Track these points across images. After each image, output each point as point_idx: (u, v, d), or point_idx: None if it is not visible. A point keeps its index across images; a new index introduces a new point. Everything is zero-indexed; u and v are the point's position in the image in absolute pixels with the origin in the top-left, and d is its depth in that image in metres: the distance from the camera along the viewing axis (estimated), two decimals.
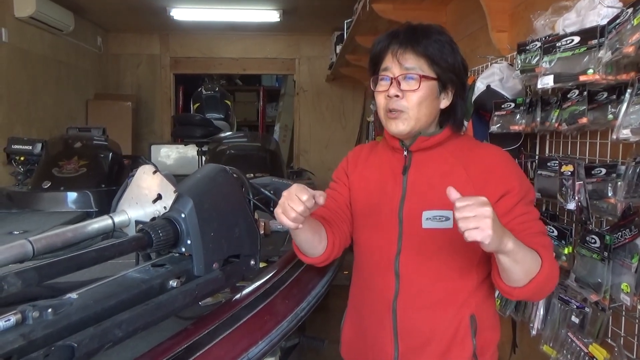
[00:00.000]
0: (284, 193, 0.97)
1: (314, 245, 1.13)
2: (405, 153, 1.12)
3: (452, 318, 1.07)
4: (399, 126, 1.08)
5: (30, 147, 2.50)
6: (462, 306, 1.07)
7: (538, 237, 1.00)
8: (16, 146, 2.52)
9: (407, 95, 1.06)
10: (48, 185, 2.22)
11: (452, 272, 1.07)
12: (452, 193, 0.87)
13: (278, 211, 0.97)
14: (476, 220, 0.83)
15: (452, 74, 1.09)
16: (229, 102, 4.16)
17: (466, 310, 1.07)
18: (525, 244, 0.94)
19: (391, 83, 1.07)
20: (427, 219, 1.05)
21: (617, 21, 1.06)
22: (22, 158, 2.49)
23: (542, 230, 1.03)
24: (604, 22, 1.12)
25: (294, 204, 0.95)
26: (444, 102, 1.11)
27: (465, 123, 1.81)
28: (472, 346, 1.07)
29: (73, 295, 0.78)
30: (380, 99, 1.10)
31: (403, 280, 1.09)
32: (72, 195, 2.19)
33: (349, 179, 1.22)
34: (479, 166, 1.06)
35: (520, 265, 0.93)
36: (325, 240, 1.13)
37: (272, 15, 4.56)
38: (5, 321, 0.66)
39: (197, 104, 4.06)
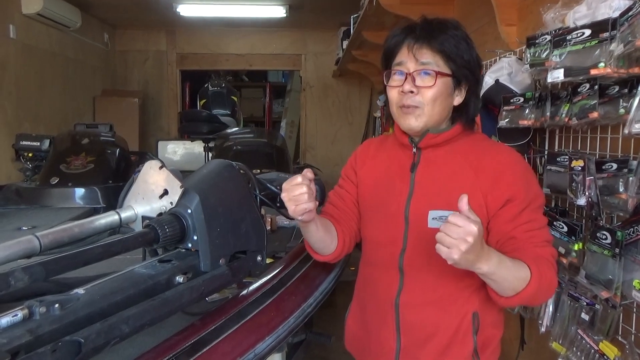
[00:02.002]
0: (282, 195, 0.99)
1: (327, 243, 1.14)
2: (414, 150, 1.11)
3: (454, 315, 1.08)
4: (411, 122, 1.07)
5: (38, 144, 2.51)
6: (465, 304, 1.08)
7: (539, 248, 0.99)
8: (24, 142, 2.53)
9: (422, 92, 1.05)
10: (56, 181, 2.23)
11: (456, 271, 1.05)
12: (463, 203, 0.87)
13: (291, 208, 0.98)
14: (452, 242, 0.85)
15: (467, 70, 1.07)
16: (235, 98, 4.17)
17: (469, 308, 1.07)
18: (519, 258, 0.95)
19: (405, 78, 1.06)
20: (433, 218, 1.05)
21: (630, 13, 1.04)
22: (30, 154, 2.50)
23: (546, 239, 1.02)
24: (616, 14, 1.10)
25: (297, 190, 0.97)
26: (457, 99, 1.09)
27: None
28: (473, 343, 1.07)
29: (80, 290, 0.78)
30: (393, 94, 1.09)
31: (407, 278, 1.09)
32: (79, 191, 2.20)
33: (357, 175, 1.21)
34: (489, 170, 1.05)
35: (498, 284, 0.96)
36: (336, 237, 1.15)
37: (278, 11, 4.55)
38: (13, 316, 0.66)
39: (204, 100, 4.06)
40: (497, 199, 1.03)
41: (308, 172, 0.99)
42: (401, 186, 1.11)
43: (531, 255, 0.97)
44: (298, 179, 0.97)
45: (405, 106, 1.07)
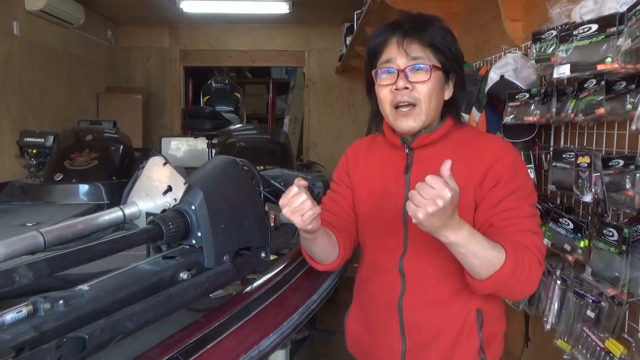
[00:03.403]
0: (284, 211, 0.94)
1: (330, 251, 1.11)
2: (406, 151, 1.10)
3: (458, 313, 1.07)
4: (410, 123, 1.04)
5: (42, 140, 2.51)
6: (468, 301, 1.06)
7: (520, 235, 0.95)
8: (28, 139, 2.53)
9: (417, 87, 1.02)
10: (60, 177, 2.23)
11: (457, 270, 1.04)
12: (445, 168, 0.85)
13: (298, 219, 0.93)
14: (422, 202, 0.83)
15: (454, 62, 1.06)
16: (238, 95, 4.15)
17: (472, 305, 1.07)
18: (497, 242, 0.92)
19: (398, 75, 1.03)
20: None
21: (638, 8, 1.03)
22: (34, 151, 2.51)
23: (530, 229, 0.97)
24: (623, 9, 1.09)
25: (296, 200, 0.92)
26: (447, 93, 1.08)
27: (478, 115, 1.79)
28: (478, 339, 1.06)
29: (84, 287, 0.78)
30: (385, 93, 1.05)
31: (409, 279, 1.08)
32: (83, 188, 2.20)
33: (350, 179, 1.19)
34: (480, 163, 1.03)
35: (468, 260, 0.92)
36: (337, 245, 1.12)
37: (281, 7, 4.54)
38: (17, 312, 0.66)
39: (207, 97, 4.05)
40: (484, 188, 1.01)
41: (300, 181, 0.95)
42: (397, 188, 1.09)
43: (509, 241, 0.94)
44: (294, 189, 0.93)
45: (400, 105, 1.03)
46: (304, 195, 0.93)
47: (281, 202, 0.95)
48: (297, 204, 0.93)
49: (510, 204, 0.98)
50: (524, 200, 1.00)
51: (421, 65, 1.02)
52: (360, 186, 1.16)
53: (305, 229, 0.96)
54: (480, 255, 0.91)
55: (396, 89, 1.03)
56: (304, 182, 0.95)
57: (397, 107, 1.04)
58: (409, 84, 1.02)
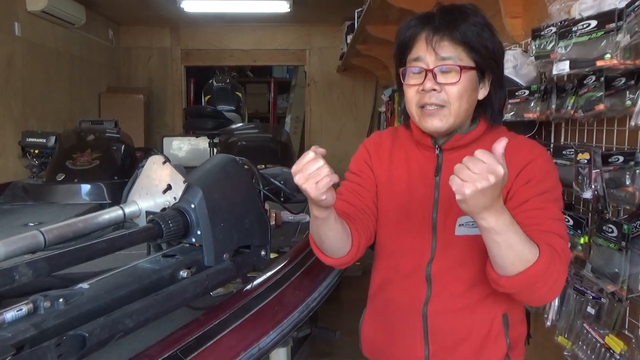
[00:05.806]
0: (296, 179, 0.84)
1: (342, 242, 1.00)
2: (437, 152, 1.03)
3: (484, 318, 1.03)
4: (435, 123, 0.97)
5: (44, 140, 2.52)
6: (494, 306, 1.02)
7: (546, 235, 0.89)
8: (30, 139, 2.54)
9: (446, 89, 0.95)
10: (62, 177, 2.24)
11: (484, 277, 0.97)
12: (500, 146, 0.77)
13: (312, 187, 0.82)
14: (471, 176, 0.75)
15: (492, 60, 0.98)
16: (239, 94, 4.15)
17: (498, 310, 1.03)
18: (528, 236, 0.86)
19: (426, 75, 0.95)
20: (460, 225, 0.99)
21: (636, 4, 1.03)
22: (36, 151, 2.52)
23: (554, 231, 0.91)
24: (622, 4, 1.09)
25: (312, 165, 0.82)
26: (482, 93, 1.00)
27: None
28: (506, 344, 1.03)
29: (84, 285, 0.78)
30: (412, 93, 0.98)
31: (435, 286, 1.03)
32: (85, 188, 2.21)
33: (373, 172, 1.10)
34: (514, 162, 0.95)
35: (501, 250, 0.84)
36: (350, 238, 1.01)
37: (282, 6, 4.54)
38: (17, 311, 0.67)
39: (208, 96, 4.05)
40: (515, 187, 0.96)
41: (318, 148, 0.85)
42: (425, 191, 1.03)
43: (542, 240, 0.87)
44: (310, 154, 0.83)
45: (427, 105, 0.97)
46: (321, 161, 0.82)
47: (294, 168, 0.84)
48: (312, 170, 0.82)
49: (536, 204, 0.93)
50: (551, 203, 0.94)
51: (450, 67, 0.95)
52: (384, 186, 1.09)
53: (319, 199, 0.83)
54: (516, 247, 0.83)
55: (423, 90, 0.96)
56: (321, 150, 0.85)
57: (423, 106, 0.98)
58: (438, 85, 0.95)
